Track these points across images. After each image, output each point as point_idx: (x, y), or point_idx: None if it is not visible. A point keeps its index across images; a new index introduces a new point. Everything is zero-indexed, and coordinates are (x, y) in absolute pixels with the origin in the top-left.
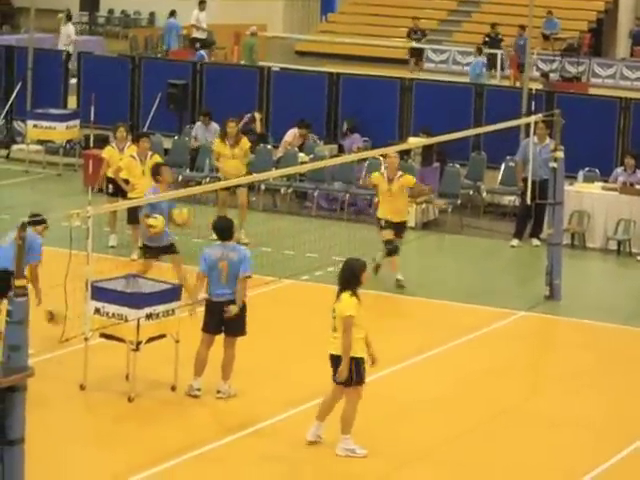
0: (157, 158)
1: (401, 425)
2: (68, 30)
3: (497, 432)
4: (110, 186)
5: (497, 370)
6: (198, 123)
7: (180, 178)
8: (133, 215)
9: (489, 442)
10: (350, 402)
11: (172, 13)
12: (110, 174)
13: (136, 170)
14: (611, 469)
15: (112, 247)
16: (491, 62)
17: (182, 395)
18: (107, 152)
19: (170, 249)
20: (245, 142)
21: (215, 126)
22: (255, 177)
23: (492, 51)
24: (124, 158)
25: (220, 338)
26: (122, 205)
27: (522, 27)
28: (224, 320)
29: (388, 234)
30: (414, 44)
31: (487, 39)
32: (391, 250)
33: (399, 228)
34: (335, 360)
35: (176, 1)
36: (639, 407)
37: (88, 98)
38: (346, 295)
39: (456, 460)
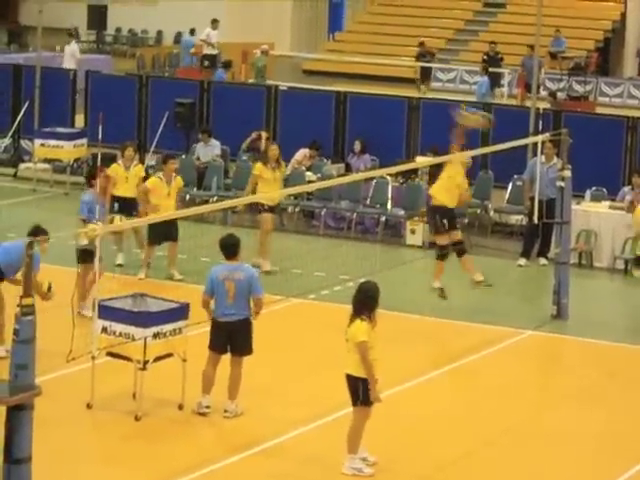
0: (179, 180)
1: (409, 443)
2: (72, 49)
3: (505, 450)
4: (116, 204)
5: (504, 388)
6: (200, 143)
7: (187, 197)
8: (149, 235)
9: (497, 460)
10: (356, 421)
11: (191, 31)
12: (136, 194)
13: (162, 191)
14: None
15: (119, 265)
16: (494, 81)
17: (189, 414)
18: (113, 170)
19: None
20: (284, 166)
21: (215, 142)
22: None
23: (497, 70)
24: (152, 179)
25: (227, 357)
26: (129, 224)
27: (531, 47)
28: (230, 339)
29: (444, 238)
30: (422, 64)
31: (485, 57)
32: (459, 250)
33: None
34: (349, 380)
35: (185, 20)
36: None
37: (95, 117)
38: (357, 320)
39: (464, 478)
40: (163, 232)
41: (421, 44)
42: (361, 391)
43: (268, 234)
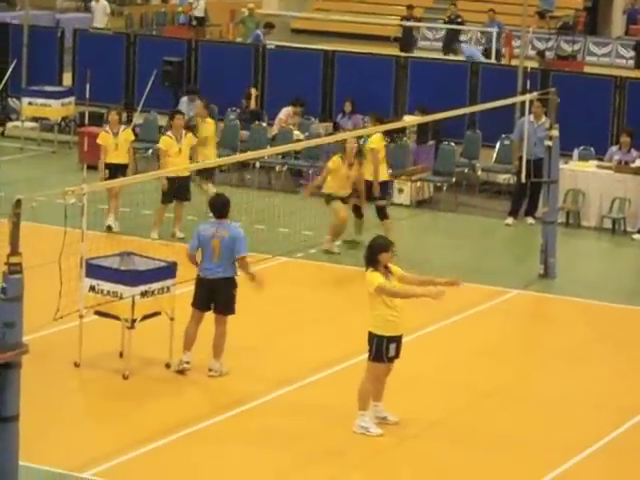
0: (190, 137)
1: (394, 403)
2: (103, 4)
3: (492, 410)
4: (107, 171)
5: (492, 348)
6: (184, 98)
7: None
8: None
9: (485, 419)
10: (364, 377)
11: None
12: (159, 159)
13: (173, 149)
14: (609, 444)
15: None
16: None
17: (176, 373)
18: (102, 138)
19: None
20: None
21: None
22: (250, 155)
23: (459, 27)
24: (163, 139)
25: (211, 316)
26: (116, 182)
27: (492, 11)
28: (213, 297)
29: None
30: (407, 23)
31: (446, 20)
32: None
33: None
34: (369, 338)
35: None
36: (633, 383)
37: (83, 75)
38: (368, 272)
39: (453, 437)
40: (173, 192)
41: (409, 7)
42: (373, 347)
43: (343, 223)
